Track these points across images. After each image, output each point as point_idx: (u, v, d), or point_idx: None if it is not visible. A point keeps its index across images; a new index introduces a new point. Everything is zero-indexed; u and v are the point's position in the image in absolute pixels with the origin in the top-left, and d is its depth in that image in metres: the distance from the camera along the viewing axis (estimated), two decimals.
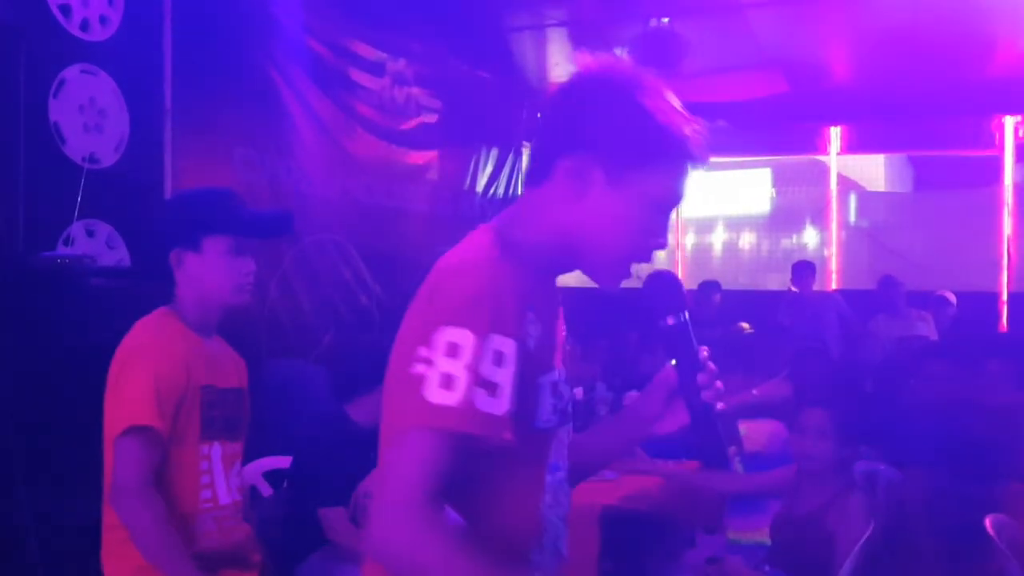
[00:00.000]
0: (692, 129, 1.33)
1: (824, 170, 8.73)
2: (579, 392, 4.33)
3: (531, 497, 1.33)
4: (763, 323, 6.65)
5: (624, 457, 1.69)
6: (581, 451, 1.50)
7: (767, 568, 3.09)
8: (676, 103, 1.34)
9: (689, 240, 9.38)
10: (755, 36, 6.68)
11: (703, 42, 6.72)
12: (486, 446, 1.21)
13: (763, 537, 3.21)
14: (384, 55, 6.22)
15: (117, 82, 4.08)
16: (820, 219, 8.79)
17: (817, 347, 5.53)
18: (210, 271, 2.12)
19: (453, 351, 1.19)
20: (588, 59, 1.37)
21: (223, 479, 2.14)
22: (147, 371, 2.01)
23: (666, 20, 6.22)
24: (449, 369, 1.18)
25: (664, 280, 1.41)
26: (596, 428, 1.61)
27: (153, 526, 1.99)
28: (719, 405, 1.39)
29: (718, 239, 9.46)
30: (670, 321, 1.39)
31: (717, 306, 7.52)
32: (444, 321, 1.20)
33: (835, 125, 8.37)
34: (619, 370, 5.18)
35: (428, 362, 1.19)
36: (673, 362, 1.40)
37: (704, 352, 1.39)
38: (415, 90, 6.54)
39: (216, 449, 2.13)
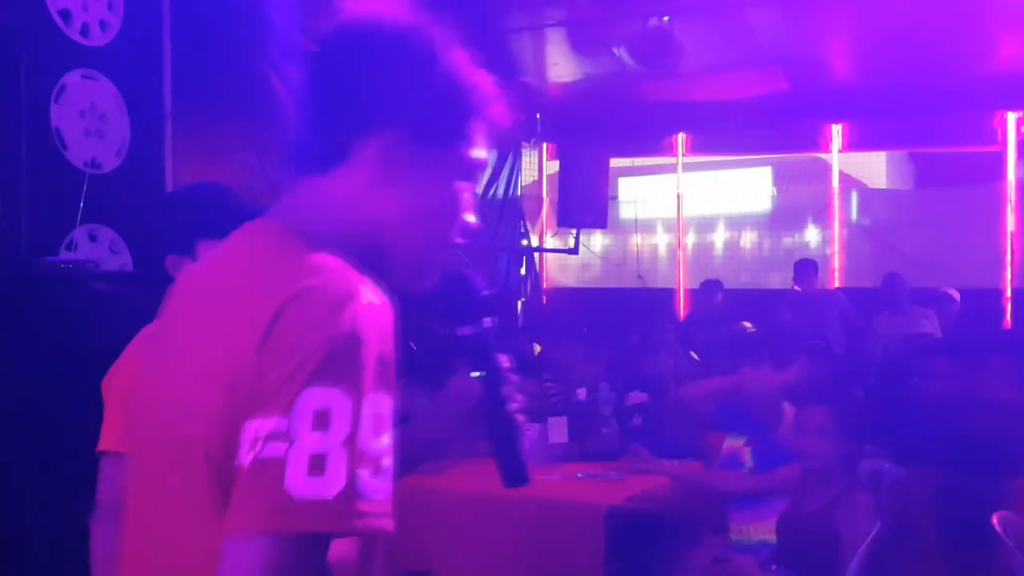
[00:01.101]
0: (493, 88, 1.14)
1: (825, 168, 8.72)
2: (583, 393, 4.33)
3: None
4: (766, 322, 6.64)
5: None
6: None
7: (774, 567, 3.09)
8: (468, 57, 1.13)
9: (690, 239, 9.37)
10: (755, 34, 6.68)
11: (702, 40, 6.72)
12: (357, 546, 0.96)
13: (769, 535, 3.20)
14: None
15: (118, 87, 4.08)
16: (821, 217, 8.78)
17: (820, 345, 5.53)
18: None
19: (322, 421, 0.88)
20: (364, 12, 1.10)
21: None
22: (120, 391, 1.93)
23: (666, 19, 6.21)
24: (318, 446, 0.88)
25: (458, 284, 1.26)
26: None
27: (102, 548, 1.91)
28: (521, 418, 1.28)
29: (719, 238, 9.45)
30: (466, 331, 1.26)
31: (720, 305, 7.51)
32: (307, 379, 0.90)
33: (835, 122, 8.37)
34: (622, 371, 5.17)
35: (285, 437, 0.88)
36: (477, 373, 1.28)
37: (506, 362, 1.28)
38: None
39: None
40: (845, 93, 7.74)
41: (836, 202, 8.65)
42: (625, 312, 7.51)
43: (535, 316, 8.33)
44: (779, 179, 9.18)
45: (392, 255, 1.10)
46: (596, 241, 9.51)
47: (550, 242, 9.32)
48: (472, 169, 1.13)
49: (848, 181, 8.87)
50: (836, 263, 8.56)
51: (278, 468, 0.87)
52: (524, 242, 8.58)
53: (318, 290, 0.95)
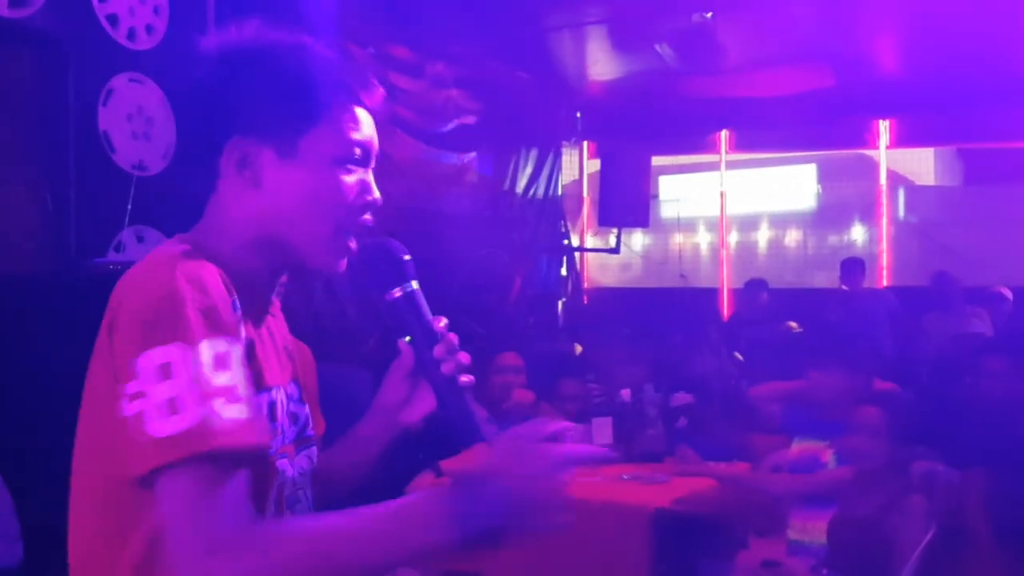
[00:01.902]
0: (348, 66, 1.21)
1: (871, 165, 8.59)
2: (627, 394, 4.29)
3: None
4: (812, 322, 6.56)
5: (380, 457, 1.42)
6: (333, 468, 1.35)
7: (825, 571, 3.04)
8: (326, 52, 1.21)
9: (733, 238, 9.28)
10: (800, 28, 6.59)
11: (746, 36, 6.64)
12: (241, 463, 1.03)
13: (824, 538, 3.15)
14: (422, 57, 6.23)
15: (163, 90, 4.12)
16: (868, 215, 8.65)
17: (869, 345, 5.44)
18: None
19: (165, 372, 1.01)
20: (211, 38, 1.21)
21: None
22: None
23: (709, 15, 6.15)
24: (168, 393, 1.00)
25: (376, 250, 1.26)
26: (345, 436, 1.41)
27: None
28: (464, 378, 1.25)
29: (763, 237, 9.36)
30: (396, 294, 1.24)
31: (764, 305, 7.42)
32: (143, 344, 1.02)
33: (883, 118, 8.24)
34: (666, 371, 5.12)
35: (139, 395, 1.01)
36: (407, 339, 1.27)
37: (442, 323, 1.27)
38: (454, 92, 6.54)
39: None
40: (892, 88, 7.60)
41: (884, 199, 8.51)
42: (667, 312, 7.45)
43: (576, 316, 8.30)
44: (824, 176, 9.07)
45: (289, 248, 1.19)
46: (637, 240, 9.46)
47: (591, 242, 9.28)
48: (346, 150, 1.17)
49: (895, 178, 8.73)
50: (884, 261, 8.43)
51: (141, 419, 1.01)
52: (565, 242, 8.55)
53: (137, 271, 1.10)
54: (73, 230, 3.77)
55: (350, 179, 1.19)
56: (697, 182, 9.45)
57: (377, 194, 1.22)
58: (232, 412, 1.02)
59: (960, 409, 4.11)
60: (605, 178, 7.53)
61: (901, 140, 8.35)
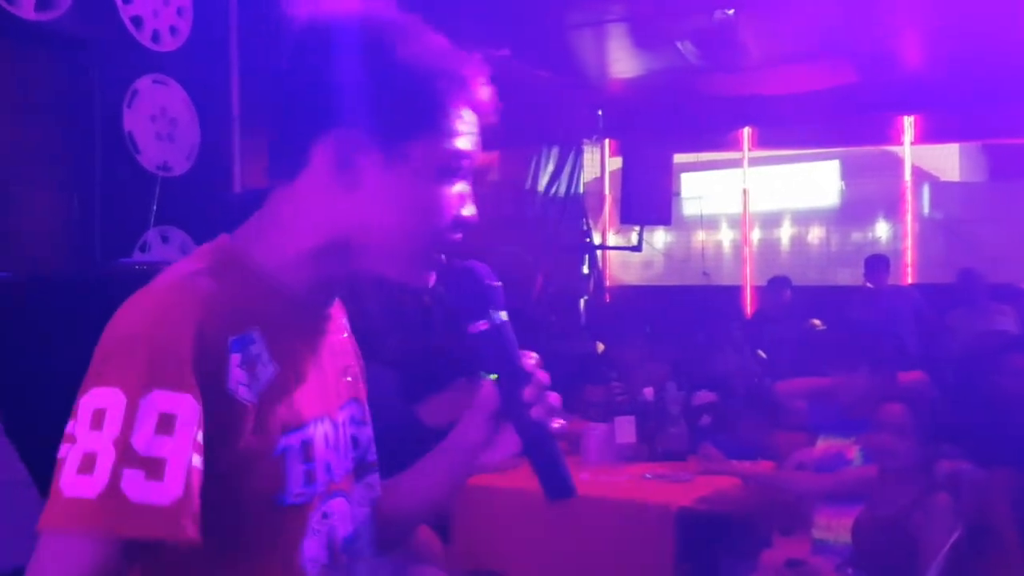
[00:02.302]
0: (468, 68, 1.06)
1: (895, 161, 8.52)
2: (649, 392, 4.28)
3: None
4: (835, 319, 6.52)
5: (452, 495, 1.26)
6: (398, 499, 1.22)
7: (850, 571, 3.02)
8: (440, 42, 1.07)
9: (756, 235, 9.24)
10: (822, 24, 6.54)
11: (768, 32, 6.60)
12: (159, 549, 0.89)
13: (849, 537, 3.13)
14: None
15: (187, 91, 4.15)
16: (893, 211, 8.58)
17: (894, 342, 5.39)
18: None
19: (97, 420, 0.87)
20: (320, 10, 1.04)
21: None
22: None
23: (731, 12, 6.12)
24: (91, 446, 0.86)
25: (462, 275, 1.13)
26: (413, 469, 1.25)
27: None
28: (555, 423, 1.11)
29: (786, 234, 9.31)
30: (481, 327, 1.10)
31: (788, 303, 7.38)
32: (91, 380, 0.90)
33: (907, 114, 8.17)
34: (689, 369, 5.11)
35: (71, 439, 0.88)
36: (493, 376, 1.12)
37: (531, 359, 1.12)
38: None
39: None
40: (916, 84, 7.53)
41: (908, 196, 8.44)
42: (690, 310, 7.42)
43: (598, 315, 8.29)
44: (848, 173, 9.01)
45: (367, 260, 1.05)
46: (659, 238, 9.43)
47: (613, 239, 9.26)
48: (456, 158, 1.05)
49: (920, 174, 8.65)
50: (908, 258, 8.36)
51: (59, 469, 0.88)
52: (587, 240, 8.54)
53: (134, 296, 0.96)
54: (98, 231, 3.81)
55: (453, 192, 1.06)
56: (719, 179, 9.41)
57: (474, 210, 1.10)
58: (147, 493, 0.86)
59: (986, 407, 4.07)
60: (627, 176, 7.51)
61: (926, 136, 8.28)
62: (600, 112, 8.72)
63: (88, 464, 0.86)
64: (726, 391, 4.59)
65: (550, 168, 7.91)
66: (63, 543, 0.87)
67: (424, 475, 1.24)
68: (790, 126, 8.39)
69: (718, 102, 8.11)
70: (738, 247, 9.23)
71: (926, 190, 8.67)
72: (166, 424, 0.88)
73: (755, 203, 9.14)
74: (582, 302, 8.35)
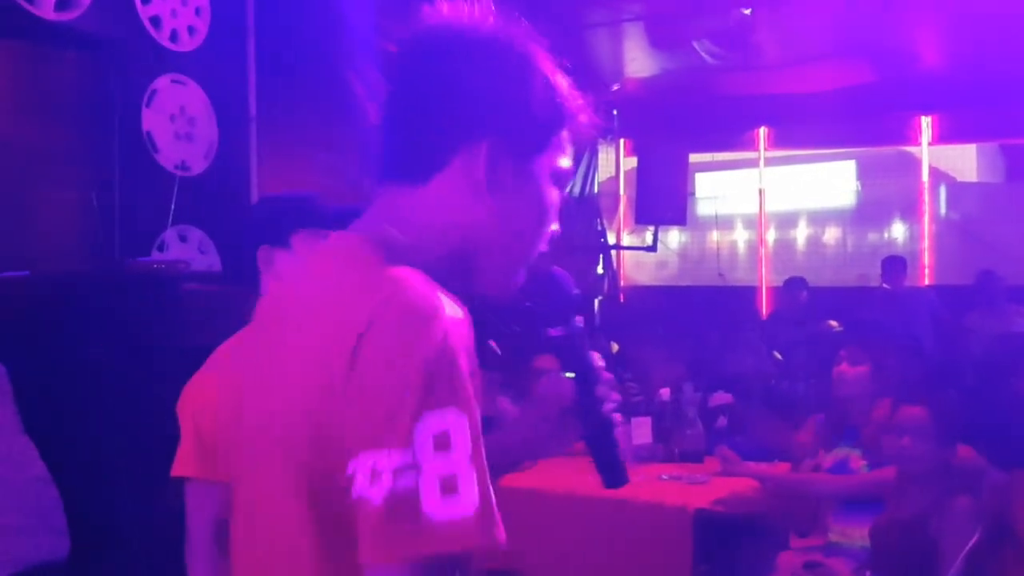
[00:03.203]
0: (574, 88, 1.12)
1: (912, 161, 8.47)
2: (665, 393, 4.27)
3: None
4: (852, 320, 6.48)
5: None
6: None
7: (868, 573, 3.00)
8: (554, 63, 1.11)
9: (772, 236, 9.20)
10: (838, 24, 6.51)
11: (784, 32, 6.58)
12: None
13: (866, 540, 3.11)
14: None
15: (205, 91, 4.17)
16: (909, 212, 8.53)
17: (912, 344, 5.37)
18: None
19: (443, 442, 0.88)
20: (453, 17, 1.07)
21: None
22: (189, 415, 1.91)
23: (748, 11, 6.09)
24: (446, 468, 0.87)
25: (546, 282, 1.22)
26: None
27: None
28: (617, 419, 1.24)
29: (801, 234, 9.26)
30: (562, 331, 1.22)
31: (804, 304, 7.35)
32: (418, 404, 0.88)
33: (924, 114, 8.12)
34: (704, 370, 5.09)
35: (412, 467, 0.87)
36: (570, 374, 1.23)
37: (600, 361, 1.24)
38: None
39: None
40: (934, 84, 7.49)
41: (925, 196, 8.39)
42: (705, 311, 7.40)
43: (613, 315, 8.28)
44: (864, 173, 8.96)
45: (484, 263, 1.08)
46: (674, 238, 9.41)
47: (627, 240, 9.23)
48: (561, 177, 1.12)
49: (937, 174, 8.60)
50: (925, 260, 8.31)
51: (413, 497, 0.86)
52: (601, 240, 8.52)
53: (405, 308, 0.93)
54: (117, 229, 3.83)
55: (557, 203, 1.11)
56: (735, 179, 9.38)
57: (557, 225, 1.13)
58: (493, 503, 0.90)
59: (1005, 409, 4.04)
60: (642, 175, 7.49)
61: (943, 136, 8.22)
62: (615, 112, 8.71)
63: (450, 487, 0.87)
64: (742, 392, 4.57)
65: None
66: (436, 567, 0.88)
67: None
68: (806, 126, 8.35)
69: (734, 102, 8.09)
70: (754, 247, 9.19)
71: (943, 191, 8.61)
72: (479, 437, 0.92)
73: (771, 203, 9.10)
74: (597, 302, 8.34)
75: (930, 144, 8.27)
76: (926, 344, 6.36)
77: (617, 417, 1.24)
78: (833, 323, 6.10)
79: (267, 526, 1.01)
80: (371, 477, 0.88)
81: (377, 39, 5.47)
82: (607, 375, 1.23)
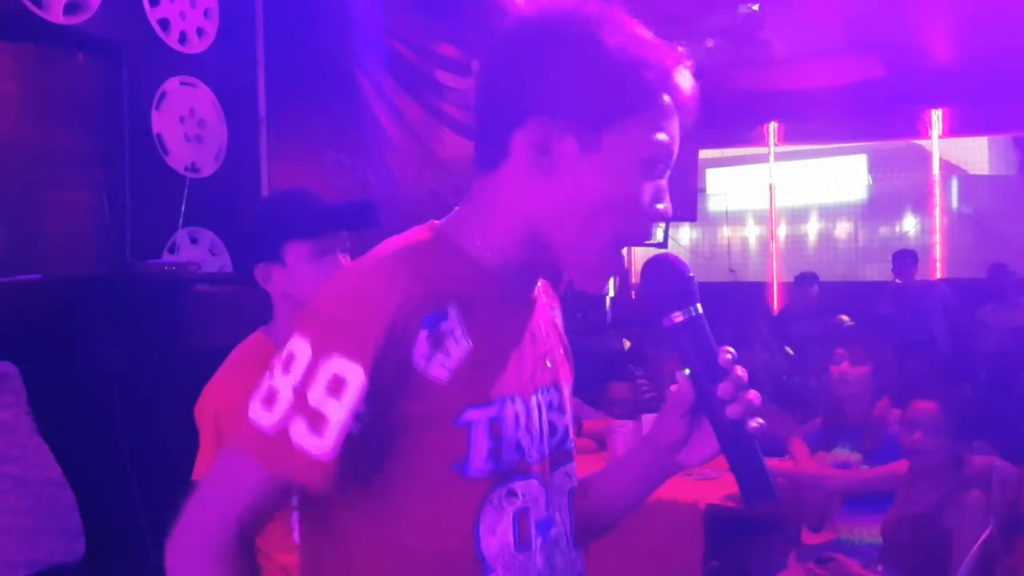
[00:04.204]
0: (673, 60, 1.05)
1: (923, 155, 8.44)
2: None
3: (454, 564, 1.03)
4: (863, 315, 6.46)
5: (648, 494, 1.23)
6: (597, 497, 1.21)
7: (880, 568, 2.99)
8: (645, 32, 1.05)
9: (782, 231, 9.18)
10: (848, 18, 6.49)
11: (793, 27, 6.56)
12: (297, 491, 1.01)
13: (876, 537, 3.10)
14: (468, 55, 6.24)
15: (215, 92, 4.19)
16: (921, 206, 8.50)
17: (923, 338, 5.35)
18: (296, 281, 1.87)
19: (287, 364, 0.98)
20: (526, 3, 1.06)
21: None
22: (210, 418, 1.89)
23: (755, 7, 6.08)
24: (277, 384, 0.98)
25: (665, 266, 1.10)
26: (611, 466, 1.24)
27: None
28: (753, 422, 1.05)
29: (812, 229, 9.24)
30: (677, 319, 1.07)
31: (815, 298, 7.33)
32: (296, 328, 1.01)
33: (935, 108, 8.07)
34: None
35: (269, 372, 1.01)
36: (687, 371, 1.08)
37: (727, 355, 1.07)
38: None
39: None
40: (945, 77, 7.45)
41: (937, 189, 8.35)
42: (716, 306, 7.36)
43: (624, 312, 8.27)
44: (875, 167, 8.94)
45: (559, 248, 1.05)
46: (684, 234, 9.40)
47: None
48: (654, 150, 1.03)
49: (949, 167, 8.56)
50: (937, 253, 8.27)
51: (255, 390, 1.01)
52: None
53: (352, 263, 1.07)
54: (128, 232, 3.85)
55: (656, 183, 1.05)
56: (745, 175, 9.37)
57: (669, 205, 1.07)
58: (306, 441, 0.96)
59: (1018, 403, 4.03)
60: None
61: (954, 129, 8.18)
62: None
63: (270, 399, 0.98)
64: (753, 388, 4.55)
65: None
66: (237, 460, 1.00)
67: (620, 473, 1.23)
68: (816, 121, 8.32)
69: (743, 97, 8.05)
70: (764, 243, 9.18)
71: (955, 184, 8.58)
72: (336, 387, 0.96)
73: (781, 198, 9.08)
74: (607, 299, 8.33)
75: (941, 137, 8.22)
76: (939, 338, 6.34)
77: (752, 423, 1.05)
78: (844, 318, 6.07)
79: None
80: None
81: (386, 39, 5.48)
82: (738, 370, 1.06)
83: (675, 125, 1.06)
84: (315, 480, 0.97)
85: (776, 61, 6.98)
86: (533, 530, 1.07)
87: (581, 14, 1.03)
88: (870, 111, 7.87)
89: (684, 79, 1.06)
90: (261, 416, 0.98)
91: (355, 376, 0.95)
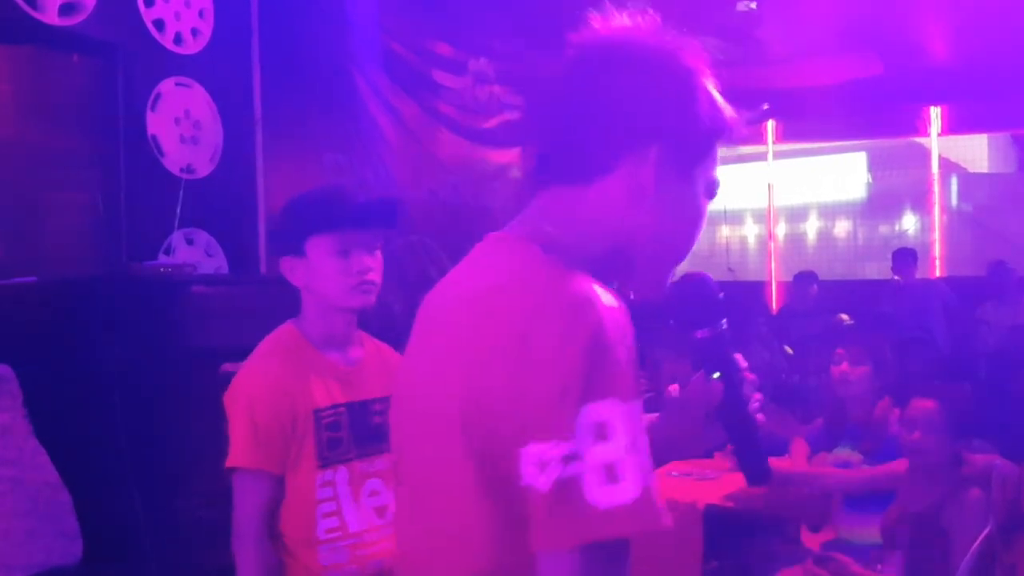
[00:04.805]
0: (732, 108, 1.17)
1: (922, 153, 8.43)
2: (675, 389, 4.25)
3: None
4: (863, 313, 6.45)
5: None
6: None
7: (879, 567, 2.98)
8: (712, 76, 1.17)
9: (781, 230, 9.17)
10: (847, 15, 6.48)
11: (793, 24, 6.55)
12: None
13: (875, 536, 3.09)
14: (465, 54, 6.24)
15: (210, 93, 4.18)
16: (920, 204, 8.49)
17: (923, 337, 5.34)
18: (318, 276, 1.94)
19: (602, 431, 0.92)
20: (623, 26, 1.14)
21: (352, 504, 1.97)
22: (243, 407, 1.92)
23: (753, 5, 6.07)
24: (606, 456, 0.91)
25: (696, 285, 1.25)
26: None
27: (252, 573, 1.89)
28: (759, 418, 1.26)
29: (812, 228, 9.23)
30: (708, 333, 1.24)
31: (814, 297, 7.32)
32: (581, 396, 0.92)
33: (934, 105, 8.07)
34: None
35: (574, 457, 0.91)
36: (716, 375, 1.25)
37: (743, 362, 1.27)
38: (496, 88, 6.54)
39: (342, 473, 1.96)
40: (944, 74, 7.44)
41: (936, 188, 8.34)
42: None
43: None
44: (874, 165, 8.93)
45: (641, 264, 1.14)
46: None
47: None
48: (714, 187, 1.17)
49: (948, 165, 8.55)
50: (937, 251, 8.26)
51: (577, 485, 0.91)
52: None
53: (564, 300, 0.98)
54: (124, 233, 3.84)
55: (705, 211, 1.20)
56: (744, 173, 9.34)
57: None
58: (654, 490, 0.93)
59: (1018, 401, 4.02)
60: None
61: (953, 127, 8.17)
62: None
63: (612, 475, 0.91)
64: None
65: None
66: (610, 551, 0.93)
67: None
68: (815, 119, 8.32)
69: (742, 95, 8.03)
70: (763, 242, 9.17)
71: (954, 182, 8.57)
72: (641, 427, 0.95)
73: (780, 197, 9.07)
74: None
75: (940, 135, 8.22)
76: (938, 336, 6.33)
77: (761, 417, 1.26)
78: (844, 317, 6.07)
79: (438, 510, 1.06)
80: (538, 467, 0.93)
81: (382, 38, 5.47)
82: (751, 376, 1.25)
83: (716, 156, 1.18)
84: (662, 522, 0.94)
85: (774, 59, 6.97)
86: None
87: (684, 52, 1.13)
88: (869, 109, 7.86)
89: (741, 127, 1.17)
90: (614, 495, 0.91)
91: (640, 408, 0.96)
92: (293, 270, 1.96)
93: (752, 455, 1.27)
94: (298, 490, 1.92)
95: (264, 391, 1.90)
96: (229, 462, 1.91)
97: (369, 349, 2.08)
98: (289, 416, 1.91)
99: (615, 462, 0.91)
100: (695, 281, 1.25)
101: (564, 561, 0.92)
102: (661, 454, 1.24)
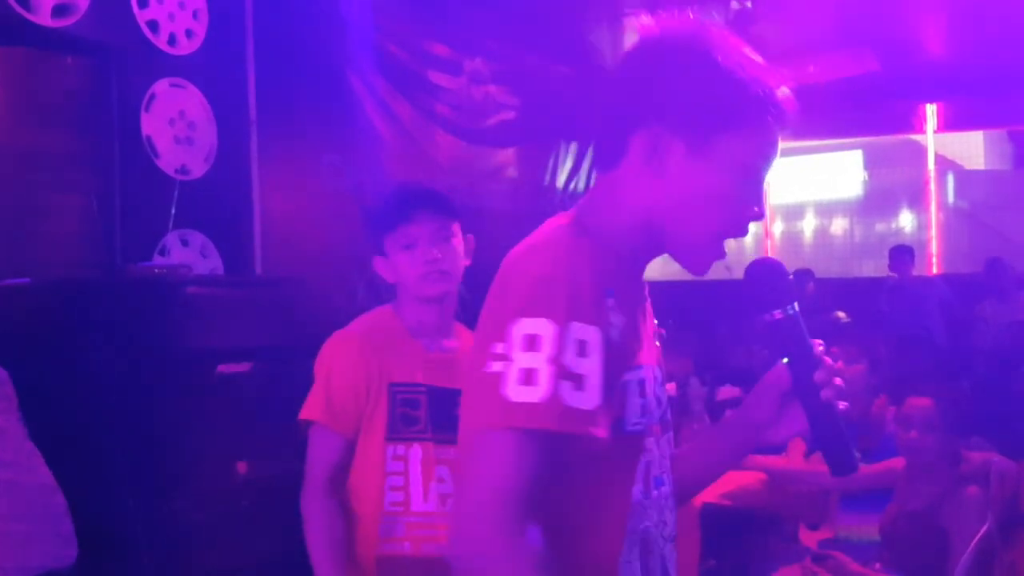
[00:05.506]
0: (776, 82, 1.21)
1: (918, 150, 8.43)
2: (672, 388, 4.26)
3: (617, 512, 1.19)
4: (859, 311, 6.46)
5: (733, 467, 1.48)
6: (685, 466, 1.35)
7: (877, 565, 2.98)
8: (756, 57, 1.21)
9: (778, 227, 9.17)
10: (843, 12, 6.48)
11: (788, 21, 6.55)
12: (574, 448, 1.09)
13: (873, 534, 3.09)
14: (460, 54, 6.22)
15: (204, 94, 4.16)
16: (917, 201, 8.50)
17: (920, 334, 5.34)
18: (396, 270, 2.10)
19: (531, 343, 1.08)
20: (649, 22, 1.24)
21: (420, 483, 2.04)
22: (323, 370, 2.06)
23: (749, 3, 6.07)
24: (529, 363, 1.08)
25: (768, 269, 1.27)
26: (700, 439, 1.45)
27: (315, 523, 2.00)
28: (841, 404, 1.24)
29: (808, 226, 9.24)
30: (777, 315, 1.24)
31: (811, 295, 7.32)
32: (518, 312, 1.10)
33: (930, 102, 8.07)
34: (711, 364, 5.07)
35: (505, 358, 1.09)
36: (785, 360, 1.25)
37: (819, 346, 1.26)
38: (492, 88, 6.52)
39: (415, 450, 2.05)
40: (939, 72, 7.44)
41: (932, 185, 8.35)
42: (712, 304, 7.37)
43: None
44: (870, 163, 8.94)
45: (670, 240, 1.23)
46: None
47: None
48: (753, 159, 1.20)
49: (944, 163, 8.56)
50: (933, 248, 8.27)
51: (501, 380, 1.09)
52: None
53: (527, 246, 1.18)
54: (118, 234, 3.83)
55: (753, 188, 1.23)
56: None
57: (764, 208, 1.25)
58: (577, 400, 1.08)
59: (1016, 399, 4.02)
60: None
61: (949, 124, 8.18)
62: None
63: (528, 377, 1.08)
64: (750, 386, 4.54)
65: (568, 164, 7.87)
66: (507, 438, 1.07)
67: (708, 447, 1.43)
68: (811, 116, 8.28)
69: None
70: (760, 240, 9.17)
71: (950, 179, 8.58)
72: (583, 348, 1.09)
73: (777, 195, 9.07)
74: None
75: (936, 132, 8.22)
76: (936, 334, 6.33)
77: (842, 404, 1.25)
78: (841, 314, 6.07)
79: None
80: (481, 363, 1.12)
81: (378, 39, 5.46)
82: (828, 360, 1.25)
83: (772, 136, 1.21)
84: (592, 429, 1.09)
85: (769, 56, 6.97)
86: (652, 484, 1.24)
87: (699, 36, 1.20)
88: (864, 106, 7.86)
89: (784, 97, 1.21)
90: (524, 393, 1.07)
91: (593, 336, 1.10)
92: (381, 268, 2.12)
93: (831, 443, 1.24)
94: (369, 458, 2.04)
95: (341, 358, 2.04)
96: (303, 414, 2.04)
97: (466, 342, 2.14)
98: (364, 384, 2.03)
99: (535, 369, 1.07)
100: (767, 265, 1.28)
101: (479, 440, 1.10)
102: (742, 438, 1.35)
